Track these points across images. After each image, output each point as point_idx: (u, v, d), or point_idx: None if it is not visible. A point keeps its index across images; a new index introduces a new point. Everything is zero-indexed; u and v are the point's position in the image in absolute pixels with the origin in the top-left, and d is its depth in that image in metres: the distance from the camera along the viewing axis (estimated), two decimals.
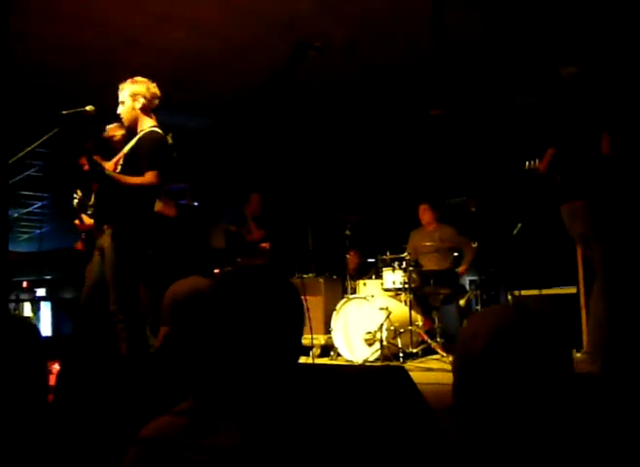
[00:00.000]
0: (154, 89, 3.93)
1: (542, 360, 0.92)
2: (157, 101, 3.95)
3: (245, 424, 1.14)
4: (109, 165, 3.79)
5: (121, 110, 3.88)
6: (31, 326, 1.34)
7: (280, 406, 1.23)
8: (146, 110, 3.89)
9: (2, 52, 3.21)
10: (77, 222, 4.98)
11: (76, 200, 4.94)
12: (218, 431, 1.12)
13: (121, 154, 3.83)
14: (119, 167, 3.80)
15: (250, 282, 1.25)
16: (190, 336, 1.86)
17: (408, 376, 1.68)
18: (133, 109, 3.86)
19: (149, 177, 3.70)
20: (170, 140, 3.73)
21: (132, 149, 3.81)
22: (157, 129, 3.87)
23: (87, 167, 3.74)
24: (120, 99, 3.88)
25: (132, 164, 3.73)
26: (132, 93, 3.85)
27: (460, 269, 6.31)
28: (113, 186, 3.74)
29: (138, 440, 1.16)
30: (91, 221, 4.91)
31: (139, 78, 3.91)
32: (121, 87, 3.89)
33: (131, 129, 3.94)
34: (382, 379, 1.67)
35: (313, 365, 3.27)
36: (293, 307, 1.27)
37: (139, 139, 3.84)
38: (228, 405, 1.16)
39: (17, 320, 1.32)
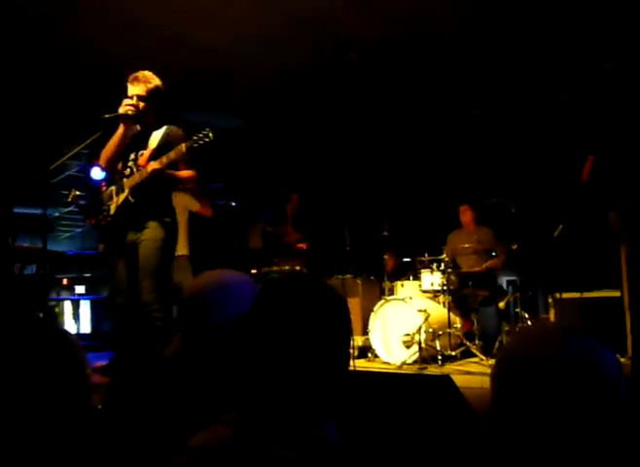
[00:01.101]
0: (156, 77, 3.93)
1: (587, 391, 0.88)
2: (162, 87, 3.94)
3: (292, 437, 1.13)
4: (142, 161, 3.81)
5: (142, 106, 3.82)
6: (72, 342, 1.33)
7: (330, 416, 1.22)
8: (159, 104, 3.93)
9: None
10: (92, 221, 5.06)
11: (70, 199, 5.01)
12: (265, 444, 1.11)
13: (149, 150, 3.82)
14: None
15: (296, 291, 1.24)
16: (195, 340, 1.82)
17: (455, 385, 1.65)
18: (154, 104, 3.88)
19: (190, 171, 3.87)
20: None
21: (164, 145, 3.82)
22: (174, 126, 3.94)
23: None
24: (135, 93, 3.81)
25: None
26: (155, 88, 3.86)
27: (485, 264, 6.17)
28: (164, 183, 3.80)
29: (187, 450, 1.16)
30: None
31: (148, 72, 3.89)
32: (136, 80, 3.84)
33: (146, 124, 3.94)
34: (428, 388, 1.64)
35: (360, 372, 3.24)
36: (339, 315, 1.25)
37: (167, 135, 3.88)
38: (275, 417, 1.15)
39: (56, 335, 1.30)
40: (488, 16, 5.27)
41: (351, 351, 4.61)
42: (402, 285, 6.23)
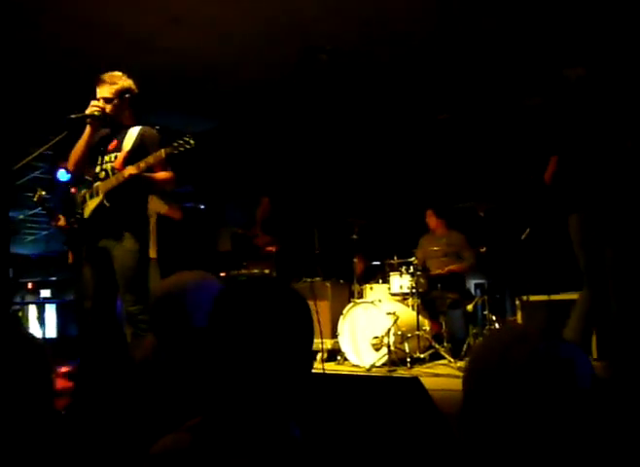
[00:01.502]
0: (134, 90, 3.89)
1: (559, 392, 0.88)
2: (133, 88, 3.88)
3: (256, 444, 1.11)
4: (117, 164, 3.73)
5: (109, 108, 3.77)
6: (39, 346, 1.30)
7: (293, 420, 1.20)
8: (132, 105, 3.88)
9: None
10: (58, 223, 5.00)
11: (35, 198, 4.93)
12: (229, 451, 1.09)
13: (123, 152, 3.73)
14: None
15: (257, 294, 1.23)
16: (173, 342, 1.81)
17: (424, 387, 1.65)
18: (123, 105, 3.83)
19: (167, 173, 3.79)
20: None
21: (139, 146, 3.76)
22: (148, 127, 3.87)
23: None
24: (101, 95, 3.76)
25: (137, 161, 3.67)
26: (122, 89, 3.80)
27: (448, 267, 6.22)
28: (141, 187, 3.74)
29: (148, 456, 1.14)
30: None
31: (117, 72, 3.84)
32: (102, 82, 3.79)
33: (117, 126, 3.87)
34: (397, 390, 1.64)
35: (327, 374, 3.23)
36: (302, 319, 1.24)
37: (142, 136, 3.81)
38: (238, 423, 1.13)
39: (23, 339, 1.28)
40: (457, 19, 5.31)
41: (321, 354, 4.62)
42: (371, 288, 6.24)
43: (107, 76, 3.80)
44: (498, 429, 0.89)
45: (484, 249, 5.82)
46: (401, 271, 5.97)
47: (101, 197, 3.77)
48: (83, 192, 3.89)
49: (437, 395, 3.56)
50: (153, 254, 5.76)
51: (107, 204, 3.75)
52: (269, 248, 6.72)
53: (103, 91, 3.77)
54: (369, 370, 5.30)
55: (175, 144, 3.55)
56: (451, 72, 6.27)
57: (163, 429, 1.26)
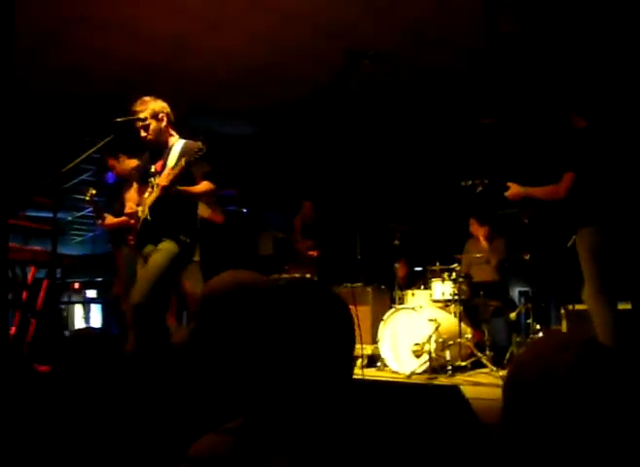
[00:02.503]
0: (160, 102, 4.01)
1: (604, 405, 0.85)
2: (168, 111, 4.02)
3: (295, 450, 1.10)
4: (160, 181, 3.83)
5: (148, 133, 3.93)
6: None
7: (333, 427, 1.19)
8: (171, 124, 4.01)
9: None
10: (104, 222, 5.09)
11: (87, 197, 5.06)
12: (267, 456, 1.09)
13: (167, 169, 3.85)
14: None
15: (300, 298, 1.22)
16: (219, 333, 1.81)
17: (464, 396, 1.62)
18: (160, 128, 3.95)
19: (206, 184, 3.90)
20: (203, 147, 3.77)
21: (180, 161, 3.87)
22: (190, 140, 3.98)
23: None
24: (140, 124, 3.91)
25: (185, 177, 3.81)
26: (154, 113, 3.92)
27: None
28: (177, 199, 3.84)
29: (187, 458, 1.14)
30: (114, 220, 5.03)
31: (146, 97, 3.97)
32: (137, 109, 3.92)
33: (160, 147, 4.00)
34: (437, 399, 1.61)
35: (367, 381, 3.22)
36: (343, 323, 1.23)
37: (182, 151, 3.92)
38: (278, 428, 1.12)
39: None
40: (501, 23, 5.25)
41: (361, 360, 4.61)
42: (412, 294, 6.19)
43: (137, 104, 3.93)
44: (540, 440, 0.87)
45: (528, 256, 5.72)
46: (443, 278, 5.91)
47: (146, 211, 3.91)
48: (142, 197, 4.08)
49: (478, 404, 3.51)
50: (196, 257, 5.82)
51: (149, 218, 3.89)
52: (311, 253, 6.73)
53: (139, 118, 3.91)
54: (409, 377, 5.25)
55: (192, 152, 3.69)
56: (496, 76, 6.19)
57: (199, 428, 1.26)
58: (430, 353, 5.22)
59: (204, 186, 3.90)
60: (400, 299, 6.15)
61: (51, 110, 6.79)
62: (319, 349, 1.16)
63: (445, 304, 5.94)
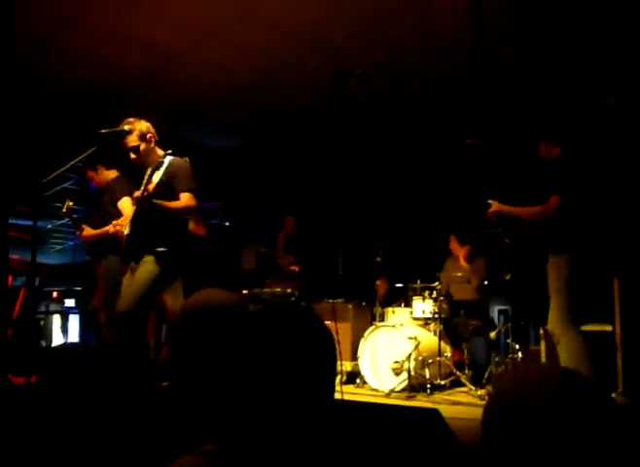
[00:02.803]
0: (151, 128, 4.09)
1: (585, 432, 0.85)
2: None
3: None
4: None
5: (138, 155, 4.00)
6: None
7: (312, 449, 1.18)
8: (156, 143, 4.09)
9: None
10: (80, 233, 5.05)
11: (64, 209, 5.05)
12: None
13: (152, 185, 3.87)
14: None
15: (281, 321, 1.22)
16: (197, 351, 1.80)
17: (443, 419, 1.62)
18: (149, 149, 4.03)
19: (188, 200, 3.94)
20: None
21: (166, 178, 3.95)
22: (177, 157, 4.06)
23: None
24: (131, 145, 3.98)
25: (167, 193, 3.90)
26: (142, 134, 4.00)
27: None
28: (160, 215, 3.88)
29: None
30: (93, 231, 5.00)
31: (130, 118, 4.03)
32: (127, 133, 3.97)
33: (144, 165, 4.03)
34: (417, 421, 1.61)
35: (347, 401, 3.20)
36: (323, 345, 1.23)
37: (169, 167, 3.99)
38: (256, 451, 1.11)
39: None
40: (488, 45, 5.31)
41: (340, 377, 4.58)
42: (393, 312, 6.19)
43: (123, 125, 3.98)
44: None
45: (509, 276, 5.75)
46: (424, 296, 5.93)
47: (127, 226, 4.03)
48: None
49: (456, 424, 3.51)
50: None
51: (128, 232, 4.01)
52: (292, 268, 6.72)
53: (130, 142, 3.98)
54: (388, 395, 5.25)
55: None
56: (482, 97, 6.25)
57: (174, 450, 1.24)
58: (409, 371, 5.21)
59: (183, 201, 3.93)
60: (380, 316, 6.15)
61: (34, 115, 6.74)
62: (300, 371, 1.16)
63: (426, 322, 5.95)
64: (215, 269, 6.97)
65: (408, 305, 6.11)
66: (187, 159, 4.04)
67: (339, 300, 6.31)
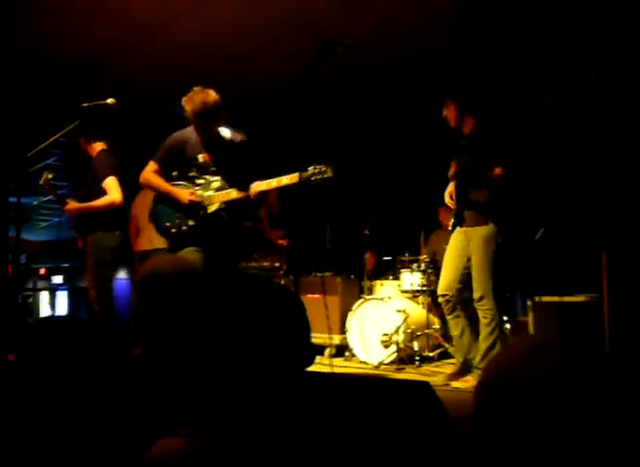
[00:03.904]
0: (197, 96, 4.03)
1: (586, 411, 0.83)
2: (201, 107, 4.01)
3: (250, 449, 1.09)
4: None
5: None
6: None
7: (284, 425, 1.17)
8: (192, 120, 4.02)
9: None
10: (64, 207, 4.98)
11: (41, 181, 4.97)
12: (226, 458, 1.07)
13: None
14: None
15: (247, 294, 1.21)
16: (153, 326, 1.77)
17: (434, 392, 1.61)
18: (203, 123, 4.02)
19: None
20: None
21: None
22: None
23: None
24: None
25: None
26: (190, 113, 3.98)
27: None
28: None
29: (147, 463, 1.11)
30: (77, 205, 4.92)
31: (184, 97, 4.05)
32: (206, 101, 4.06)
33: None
34: (407, 395, 1.60)
35: (334, 375, 3.21)
36: (293, 320, 1.22)
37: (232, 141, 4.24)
38: (229, 430, 1.10)
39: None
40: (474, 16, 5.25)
41: (329, 350, 4.58)
42: (381, 284, 6.20)
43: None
44: (514, 449, 0.85)
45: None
46: (412, 268, 5.94)
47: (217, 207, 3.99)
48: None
49: (446, 396, 3.54)
50: (163, 244, 5.75)
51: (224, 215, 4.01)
52: (281, 242, 6.69)
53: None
54: (377, 367, 5.28)
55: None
56: (464, 70, 6.21)
57: (151, 430, 1.23)
58: (398, 344, 5.24)
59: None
60: (369, 289, 6.16)
61: (17, 91, 6.62)
62: (268, 345, 1.16)
63: (414, 294, 5.97)
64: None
65: (397, 277, 6.12)
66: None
67: (328, 273, 6.30)
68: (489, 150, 4.22)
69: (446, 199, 4.56)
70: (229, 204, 3.94)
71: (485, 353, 4.14)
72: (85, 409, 1.71)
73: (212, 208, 3.93)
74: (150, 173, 4.06)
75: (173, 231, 3.98)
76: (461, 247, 4.41)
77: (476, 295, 4.24)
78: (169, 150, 4.03)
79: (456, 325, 4.40)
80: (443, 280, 4.45)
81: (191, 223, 3.96)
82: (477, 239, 4.29)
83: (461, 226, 4.43)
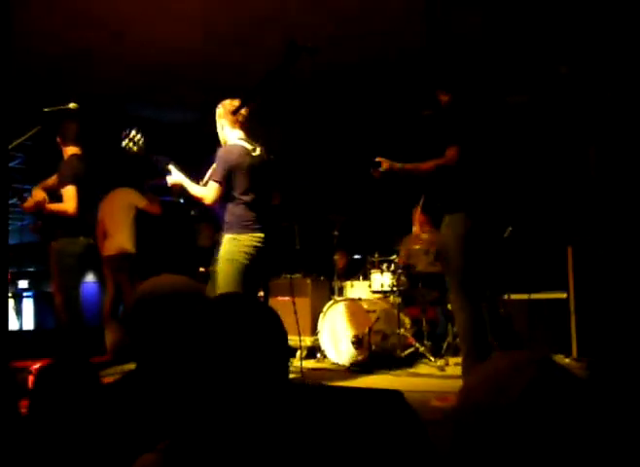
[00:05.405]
0: (228, 106, 4.41)
1: (564, 426, 0.82)
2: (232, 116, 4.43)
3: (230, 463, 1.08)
4: None
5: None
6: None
7: (267, 434, 1.16)
8: (227, 128, 4.49)
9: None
10: (25, 204, 4.89)
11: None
12: None
13: None
14: None
15: (228, 312, 1.22)
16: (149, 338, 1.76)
17: (406, 402, 1.60)
18: (221, 131, 4.52)
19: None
20: None
21: None
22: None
23: None
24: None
25: None
26: (218, 118, 4.50)
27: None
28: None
29: None
30: (31, 202, 4.82)
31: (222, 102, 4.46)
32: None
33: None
34: (379, 404, 1.59)
35: (307, 385, 3.20)
36: (272, 337, 1.23)
37: None
38: (210, 443, 1.09)
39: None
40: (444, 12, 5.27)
41: (300, 352, 4.55)
42: (352, 285, 6.20)
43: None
44: (493, 463, 0.84)
45: None
46: (382, 269, 5.94)
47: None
48: None
49: (417, 397, 3.53)
50: (132, 248, 5.68)
51: None
52: None
53: None
54: (349, 368, 5.27)
55: None
56: (433, 68, 6.24)
57: (134, 446, 1.21)
58: (370, 344, 5.23)
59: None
60: (339, 290, 6.15)
61: None
62: (248, 361, 1.16)
63: (385, 295, 5.97)
64: (171, 247, 6.87)
65: (367, 278, 6.12)
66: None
67: (297, 275, 6.28)
68: (454, 123, 3.98)
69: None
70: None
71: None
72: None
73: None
74: None
75: None
76: None
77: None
78: None
79: None
80: None
81: None
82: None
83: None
